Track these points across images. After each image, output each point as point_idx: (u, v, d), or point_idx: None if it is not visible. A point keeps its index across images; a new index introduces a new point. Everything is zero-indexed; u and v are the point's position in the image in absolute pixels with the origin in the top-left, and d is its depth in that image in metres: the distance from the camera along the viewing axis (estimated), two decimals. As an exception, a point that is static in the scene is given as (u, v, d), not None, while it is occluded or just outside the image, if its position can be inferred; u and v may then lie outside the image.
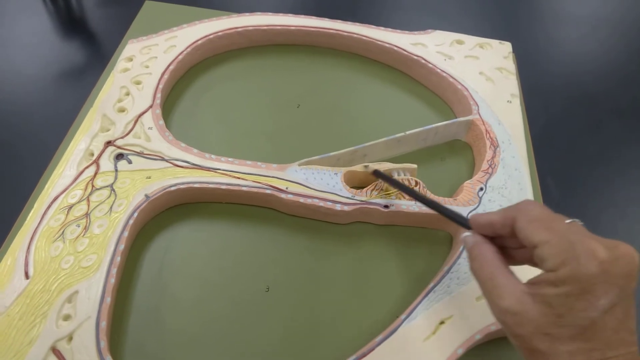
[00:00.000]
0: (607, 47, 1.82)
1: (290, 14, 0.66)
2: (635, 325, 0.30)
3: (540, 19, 1.94)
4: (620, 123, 1.55)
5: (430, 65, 0.62)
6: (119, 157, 0.50)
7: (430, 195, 0.50)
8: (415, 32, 0.66)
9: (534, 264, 0.33)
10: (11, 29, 1.70)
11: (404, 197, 0.49)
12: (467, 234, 0.36)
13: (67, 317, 0.40)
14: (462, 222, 0.38)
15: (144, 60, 0.58)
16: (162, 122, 0.53)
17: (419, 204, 0.49)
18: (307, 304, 0.45)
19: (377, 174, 0.50)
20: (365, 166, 0.51)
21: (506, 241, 0.35)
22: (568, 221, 0.31)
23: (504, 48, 0.66)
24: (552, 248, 0.30)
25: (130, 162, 0.49)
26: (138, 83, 0.56)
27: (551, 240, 0.30)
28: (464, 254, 0.46)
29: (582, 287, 0.28)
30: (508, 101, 0.59)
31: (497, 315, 0.31)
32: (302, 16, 0.66)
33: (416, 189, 0.50)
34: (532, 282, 0.31)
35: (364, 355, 0.40)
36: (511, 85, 0.61)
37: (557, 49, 1.81)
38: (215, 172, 0.49)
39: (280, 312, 0.44)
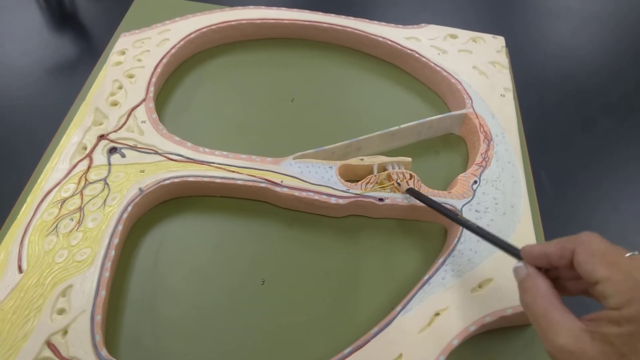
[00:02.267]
0: (599, 41, 1.83)
1: (283, 8, 0.66)
2: None
3: (533, 13, 1.94)
4: (614, 117, 1.56)
5: (423, 59, 0.62)
6: (112, 150, 0.50)
7: (424, 188, 0.50)
8: (409, 26, 0.66)
9: (589, 295, 0.32)
10: (2, 24, 1.68)
11: (399, 191, 0.50)
12: (519, 264, 0.35)
13: (61, 311, 0.40)
14: (513, 252, 0.37)
15: (137, 54, 0.58)
16: (155, 115, 0.53)
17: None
18: (302, 297, 0.45)
19: (411, 192, 0.48)
20: (361, 159, 0.51)
21: (560, 272, 0.34)
22: (628, 254, 0.31)
23: (497, 42, 0.66)
24: (616, 285, 0.29)
25: (123, 155, 0.49)
26: (131, 76, 0.56)
27: (614, 277, 0.29)
28: (459, 247, 0.46)
29: None
30: (501, 95, 0.59)
31: (552, 353, 0.30)
32: (296, 10, 0.66)
33: (411, 182, 0.50)
34: (591, 319, 0.30)
35: (360, 347, 0.40)
36: (504, 79, 0.61)
37: (550, 42, 1.82)
38: (210, 165, 0.49)
39: (276, 305, 0.44)
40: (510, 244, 0.38)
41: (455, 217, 0.44)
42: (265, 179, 0.49)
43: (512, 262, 0.43)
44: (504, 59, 0.64)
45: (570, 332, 0.30)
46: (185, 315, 0.43)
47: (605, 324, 0.29)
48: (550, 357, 0.31)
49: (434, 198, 0.49)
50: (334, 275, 0.47)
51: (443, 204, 0.46)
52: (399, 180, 0.49)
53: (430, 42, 0.64)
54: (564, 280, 0.34)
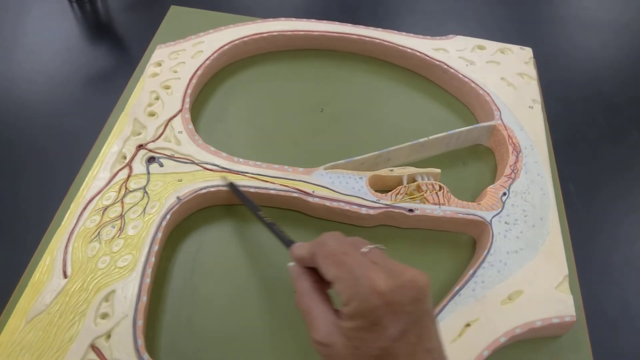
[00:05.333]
0: (627, 53, 1.81)
1: (313, 20, 0.67)
2: (437, 341, 0.30)
3: (560, 23, 1.93)
4: (640, 129, 1.55)
5: (452, 70, 0.63)
6: (151, 160, 0.51)
7: (453, 199, 0.51)
8: (437, 38, 0.67)
9: None
10: (41, 34, 1.73)
11: (428, 202, 0.50)
12: (291, 264, 0.36)
13: (104, 316, 0.41)
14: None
15: (173, 65, 0.60)
16: (191, 126, 0.54)
17: (443, 208, 0.50)
18: (334, 305, 0.46)
19: (232, 187, 0.49)
20: (391, 170, 0.52)
21: None
22: (366, 249, 0.32)
23: (525, 53, 0.66)
24: (341, 284, 0.30)
25: (161, 165, 0.51)
26: (167, 88, 0.58)
27: (341, 276, 0.31)
28: (489, 258, 0.46)
29: (370, 320, 0.29)
30: (530, 107, 0.60)
31: (315, 347, 0.32)
32: (325, 21, 0.67)
33: (440, 193, 0.51)
34: (338, 313, 0.31)
35: (392, 356, 0.41)
36: (532, 90, 0.62)
37: (578, 54, 1.81)
38: (244, 175, 0.51)
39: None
40: (290, 242, 0.38)
41: (256, 212, 0.45)
42: (298, 189, 0.50)
43: (542, 275, 0.43)
44: (532, 71, 0.64)
45: (326, 327, 0.31)
46: (222, 321, 0.45)
47: (343, 319, 0.30)
48: (317, 352, 0.32)
49: (463, 209, 0.50)
50: (365, 284, 0.48)
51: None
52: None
53: (458, 53, 0.65)
54: None
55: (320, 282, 0.34)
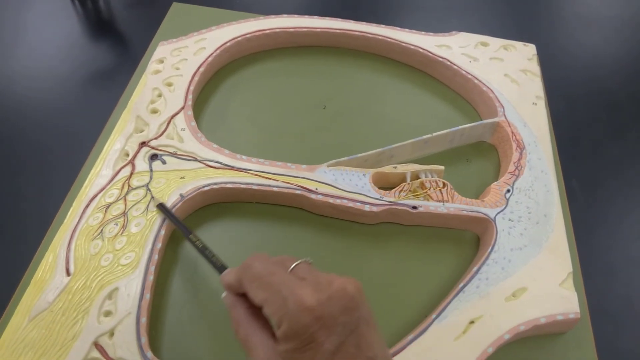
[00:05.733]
0: (629, 50, 1.81)
1: (315, 16, 0.67)
2: (379, 347, 0.29)
3: (562, 20, 1.92)
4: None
5: (455, 67, 0.63)
6: (154, 157, 0.51)
7: (457, 196, 0.50)
8: (440, 34, 0.67)
9: None
10: (42, 32, 1.73)
11: (432, 199, 0.50)
12: (225, 294, 0.35)
13: (108, 313, 0.41)
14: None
15: (175, 62, 0.60)
16: (194, 123, 0.54)
17: (447, 205, 0.50)
18: (337, 303, 0.46)
19: (161, 207, 0.47)
20: (394, 167, 0.52)
21: None
22: (294, 265, 0.31)
23: (528, 50, 0.66)
24: (270, 307, 0.29)
25: (164, 162, 0.51)
26: (169, 85, 0.57)
27: (268, 298, 0.30)
28: (493, 255, 0.46)
29: (303, 339, 0.28)
30: (533, 103, 0.60)
31: None
32: (328, 18, 0.67)
33: (444, 190, 0.51)
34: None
35: (396, 353, 0.41)
36: (536, 87, 0.62)
37: (579, 51, 1.80)
38: (247, 172, 0.50)
39: (312, 310, 0.45)
40: (223, 267, 0.37)
41: (187, 235, 0.43)
42: (301, 186, 0.50)
43: (546, 272, 0.43)
44: (535, 67, 0.64)
45: (265, 353, 0.30)
46: (225, 319, 0.44)
47: (279, 343, 0.29)
48: None
49: (467, 206, 0.49)
50: (368, 281, 0.47)
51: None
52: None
53: (461, 49, 0.65)
54: None
55: (255, 307, 0.32)
